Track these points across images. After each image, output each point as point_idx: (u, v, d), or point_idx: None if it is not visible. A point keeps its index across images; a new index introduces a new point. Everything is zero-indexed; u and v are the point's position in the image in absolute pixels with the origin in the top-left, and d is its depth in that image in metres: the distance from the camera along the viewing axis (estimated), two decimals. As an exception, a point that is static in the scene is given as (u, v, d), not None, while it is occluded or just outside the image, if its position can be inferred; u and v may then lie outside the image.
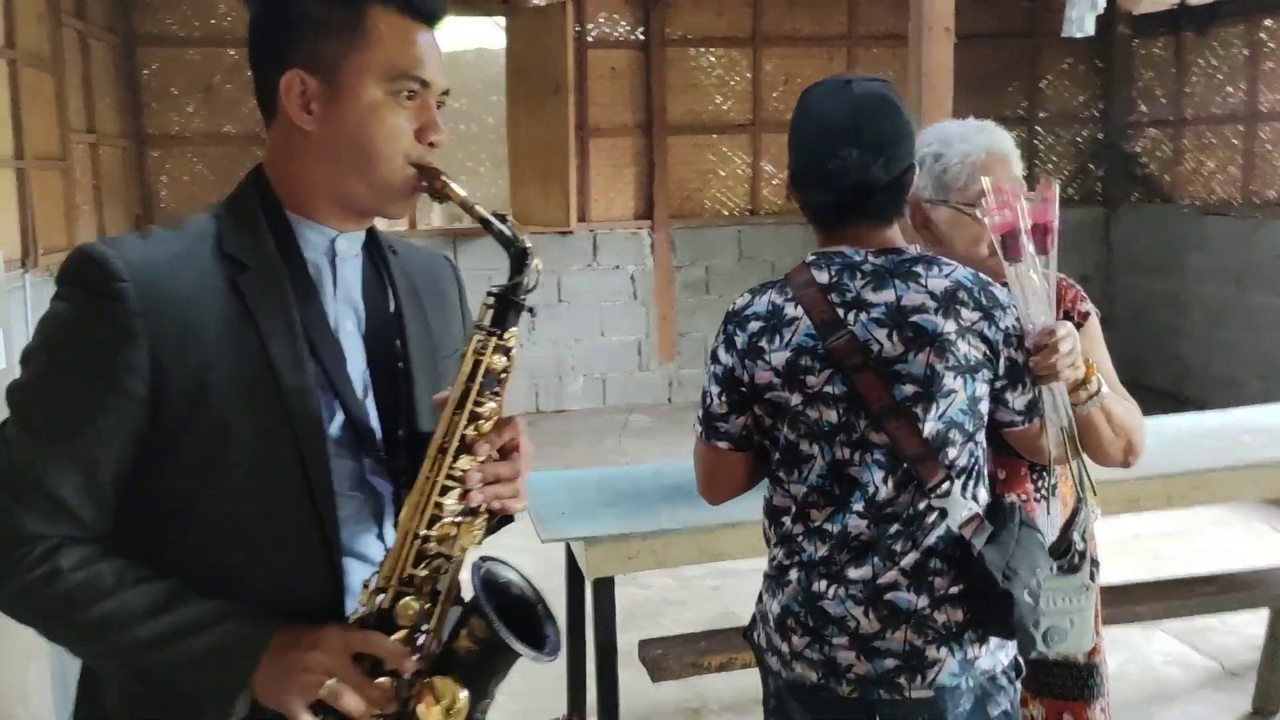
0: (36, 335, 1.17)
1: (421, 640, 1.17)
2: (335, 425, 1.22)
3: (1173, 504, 3.16)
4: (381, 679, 1.14)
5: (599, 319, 7.82)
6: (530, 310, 1.19)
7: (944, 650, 1.66)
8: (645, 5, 7.65)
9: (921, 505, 1.66)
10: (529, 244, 1.19)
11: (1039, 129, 8.53)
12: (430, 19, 1.24)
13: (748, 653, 2.79)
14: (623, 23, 7.74)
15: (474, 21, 7.78)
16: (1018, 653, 1.75)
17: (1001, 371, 1.70)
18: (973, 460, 1.70)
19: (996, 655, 1.70)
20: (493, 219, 1.19)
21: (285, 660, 1.13)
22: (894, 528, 1.66)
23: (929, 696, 1.66)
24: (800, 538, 1.72)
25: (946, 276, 1.68)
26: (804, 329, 1.69)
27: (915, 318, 1.65)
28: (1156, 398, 7.03)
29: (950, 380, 1.65)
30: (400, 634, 1.16)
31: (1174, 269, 7.86)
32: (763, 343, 1.72)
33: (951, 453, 1.66)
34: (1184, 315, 7.81)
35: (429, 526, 1.17)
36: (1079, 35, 4.38)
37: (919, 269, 1.69)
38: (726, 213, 8.07)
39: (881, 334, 1.66)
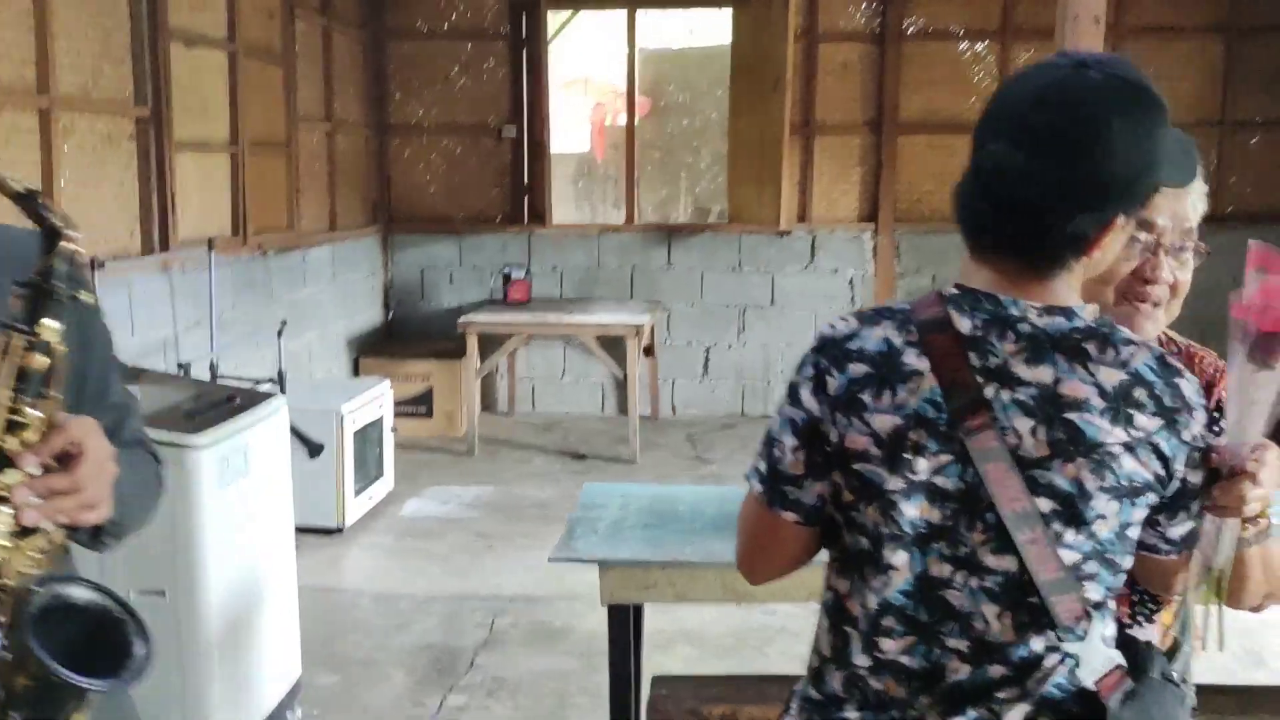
0: None
1: None
2: None
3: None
4: None
5: (812, 324, 7.51)
6: (73, 299, 1.07)
7: None
8: (883, -3, 7.27)
9: (1040, 646, 1.27)
10: (61, 223, 1.07)
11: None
12: None
13: (754, 705, 2.56)
14: (858, 15, 7.38)
15: (703, 14, 7.68)
16: None
17: (1169, 494, 1.29)
18: (1108, 595, 1.31)
19: None
20: (24, 193, 1.07)
21: None
22: (998, 671, 1.28)
23: None
24: (866, 674, 1.33)
25: (1123, 365, 1.25)
26: (926, 392, 1.26)
27: (1072, 415, 1.23)
28: None
29: (1102, 503, 1.24)
30: None
31: None
32: (866, 395, 1.28)
33: (1090, 588, 1.27)
34: None
35: None
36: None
37: (1090, 347, 1.26)
38: (960, 218, 7.55)
39: (1025, 426, 1.24)
